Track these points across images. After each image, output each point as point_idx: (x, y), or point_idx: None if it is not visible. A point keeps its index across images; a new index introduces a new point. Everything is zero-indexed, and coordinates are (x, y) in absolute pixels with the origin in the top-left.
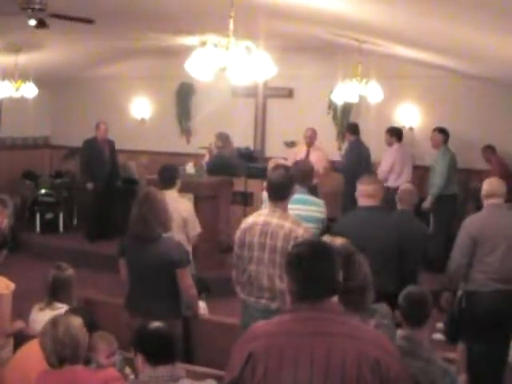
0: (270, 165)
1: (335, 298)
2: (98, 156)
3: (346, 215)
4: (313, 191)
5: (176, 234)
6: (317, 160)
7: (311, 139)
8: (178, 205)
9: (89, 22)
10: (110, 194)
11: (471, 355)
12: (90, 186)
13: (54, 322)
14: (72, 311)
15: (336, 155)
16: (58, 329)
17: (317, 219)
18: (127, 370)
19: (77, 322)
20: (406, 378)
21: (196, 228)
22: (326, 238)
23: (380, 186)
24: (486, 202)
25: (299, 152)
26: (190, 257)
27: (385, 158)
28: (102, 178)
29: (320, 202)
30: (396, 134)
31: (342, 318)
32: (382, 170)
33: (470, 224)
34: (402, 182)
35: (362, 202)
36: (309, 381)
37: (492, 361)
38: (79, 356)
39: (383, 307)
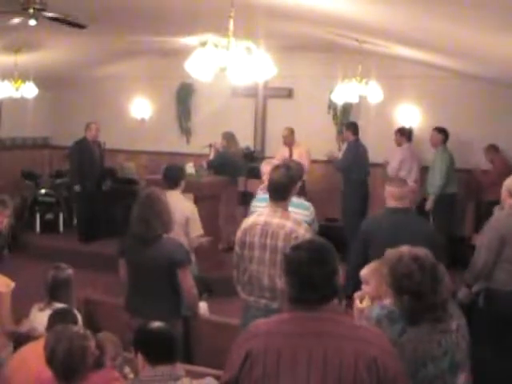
0: (264, 165)
1: (335, 300)
2: (89, 157)
3: (375, 215)
4: (301, 187)
5: (178, 235)
6: (299, 157)
7: (286, 138)
8: (182, 205)
9: (81, 27)
10: (101, 194)
11: (481, 355)
12: (77, 188)
13: (56, 338)
14: (60, 315)
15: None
16: (61, 346)
17: (305, 222)
18: (126, 369)
19: (80, 332)
20: (404, 378)
21: (197, 229)
22: (404, 249)
23: (407, 189)
24: (508, 202)
25: (283, 153)
26: (193, 257)
27: (394, 156)
28: (93, 178)
29: (307, 204)
30: (406, 133)
31: (341, 317)
32: (391, 168)
33: (498, 223)
34: (410, 180)
35: (390, 203)
36: (306, 380)
37: (506, 361)
38: (84, 371)
39: (456, 309)
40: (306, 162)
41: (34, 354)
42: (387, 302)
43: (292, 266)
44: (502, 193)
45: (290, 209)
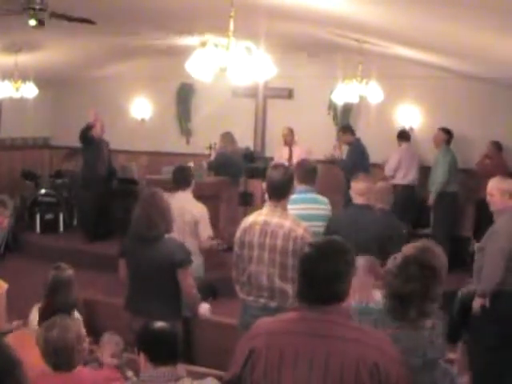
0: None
1: (344, 303)
2: (97, 156)
3: (338, 212)
4: None
5: (186, 236)
6: (299, 157)
7: (285, 138)
8: (192, 206)
9: (90, 22)
10: (108, 193)
11: (485, 356)
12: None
13: (48, 326)
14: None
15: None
16: (53, 334)
17: (324, 217)
18: (129, 374)
19: (73, 324)
20: (406, 383)
21: (207, 230)
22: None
23: (371, 184)
24: (509, 204)
25: (283, 153)
26: (200, 260)
27: (392, 156)
28: (102, 177)
29: (325, 199)
30: (401, 135)
31: (346, 321)
32: (389, 168)
33: (505, 229)
34: (409, 180)
35: (354, 199)
36: (307, 381)
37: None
38: (74, 361)
39: (434, 308)
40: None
41: (31, 353)
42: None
43: (300, 262)
44: (495, 196)
45: (309, 205)
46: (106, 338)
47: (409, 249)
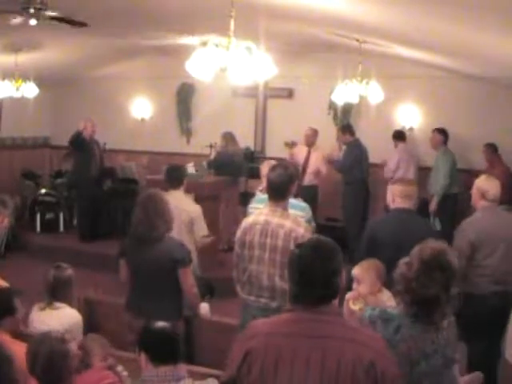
0: (263, 166)
1: (335, 301)
2: (88, 156)
3: (384, 216)
4: (313, 191)
5: (183, 235)
6: (316, 160)
7: (308, 138)
8: (186, 205)
9: (83, 25)
10: (103, 194)
11: (469, 354)
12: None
13: (36, 348)
14: None
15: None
16: (41, 357)
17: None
18: (119, 368)
19: (59, 342)
20: (400, 381)
21: (203, 229)
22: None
23: (416, 188)
24: (480, 203)
25: (299, 152)
26: (195, 258)
27: (391, 157)
28: (94, 178)
29: (304, 205)
30: (397, 136)
31: (340, 320)
32: (388, 169)
33: (468, 228)
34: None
35: (399, 203)
36: (304, 381)
37: (489, 359)
38: (67, 377)
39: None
40: (323, 167)
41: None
42: (390, 303)
43: (294, 262)
44: (473, 194)
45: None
46: (89, 340)
47: (424, 252)
